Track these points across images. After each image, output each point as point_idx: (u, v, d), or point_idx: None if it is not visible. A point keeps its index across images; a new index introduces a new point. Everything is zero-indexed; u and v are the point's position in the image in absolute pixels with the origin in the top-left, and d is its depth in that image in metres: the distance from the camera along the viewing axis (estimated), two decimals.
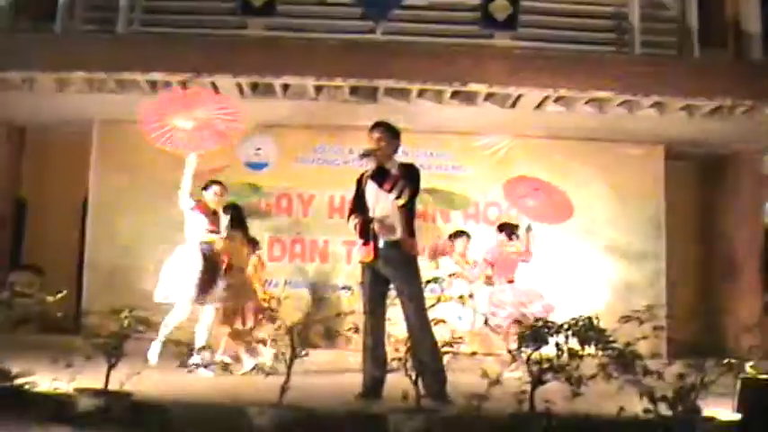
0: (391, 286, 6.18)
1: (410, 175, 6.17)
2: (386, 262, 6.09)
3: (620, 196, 10.70)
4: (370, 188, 6.21)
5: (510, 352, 6.55)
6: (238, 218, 8.34)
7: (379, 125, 6.32)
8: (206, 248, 7.95)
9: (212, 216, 8.05)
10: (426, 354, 5.68)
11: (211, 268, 7.91)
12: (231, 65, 8.92)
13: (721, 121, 9.54)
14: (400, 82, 9.11)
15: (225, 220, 8.03)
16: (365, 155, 6.16)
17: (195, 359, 6.96)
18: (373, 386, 5.90)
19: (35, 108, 9.90)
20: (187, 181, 7.81)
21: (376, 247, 6.08)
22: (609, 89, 9.11)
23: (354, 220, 6.21)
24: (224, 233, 7.99)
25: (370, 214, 6.16)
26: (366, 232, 6.14)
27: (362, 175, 6.37)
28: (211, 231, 7.99)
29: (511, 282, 8.87)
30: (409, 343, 5.30)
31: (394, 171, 6.12)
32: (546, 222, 9.20)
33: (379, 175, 6.09)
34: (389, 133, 6.29)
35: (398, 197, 6.04)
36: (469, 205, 10.65)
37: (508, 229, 9.12)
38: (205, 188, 8.11)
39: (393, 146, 6.30)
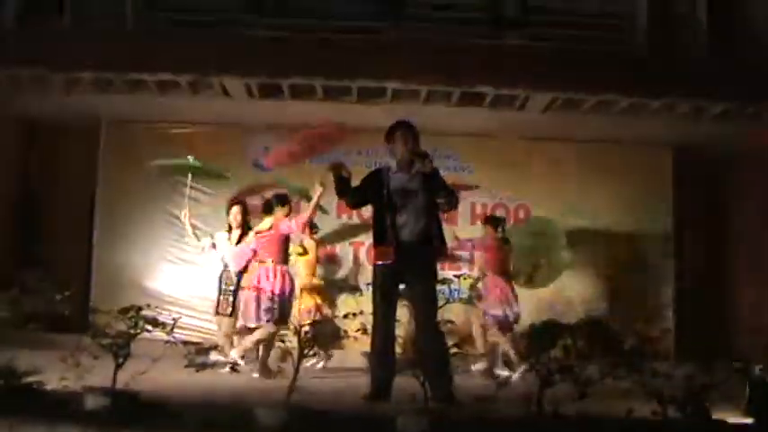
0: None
1: (444, 182, 6.17)
2: (409, 263, 5.97)
3: (627, 198, 10.70)
4: (402, 190, 6.09)
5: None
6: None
7: (409, 126, 6.25)
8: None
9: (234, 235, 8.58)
10: (435, 355, 5.67)
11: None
12: (239, 65, 8.90)
13: (730, 123, 9.50)
14: (409, 83, 9.09)
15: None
16: (423, 156, 6.05)
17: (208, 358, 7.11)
18: (381, 387, 5.84)
19: (45, 106, 9.92)
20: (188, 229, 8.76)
21: (399, 249, 5.97)
22: (617, 91, 9.08)
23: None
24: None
25: (398, 216, 6.03)
26: (385, 233, 6.04)
27: (380, 174, 6.26)
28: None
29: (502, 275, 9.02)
30: (417, 344, 5.28)
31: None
32: None
33: (435, 180, 6.05)
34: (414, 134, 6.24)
35: (448, 205, 6.11)
36: None
37: (494, 222, 9.31)
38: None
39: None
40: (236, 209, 8.65)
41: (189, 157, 8.80)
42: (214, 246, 8.62)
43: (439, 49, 8.96)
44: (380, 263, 6.09)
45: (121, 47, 8.85)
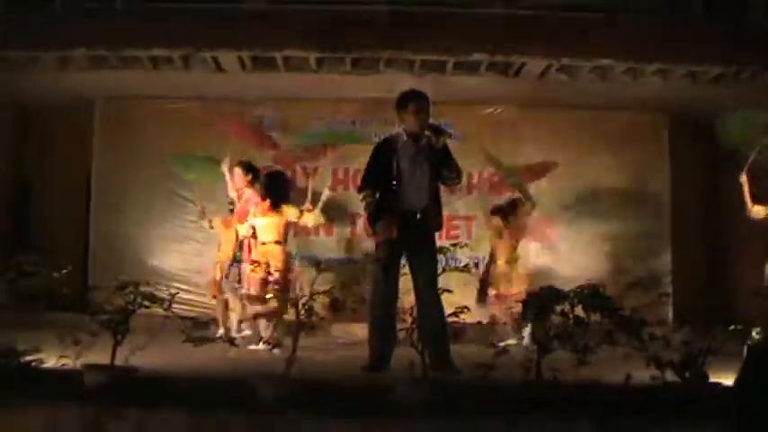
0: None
1: (452, 157, 6.17)
2: (413, 235, 5.97)
3: (624, 164, 10.67)
4: (410, 161, 6.06)
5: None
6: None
7: (422, 95, 6.16)
8: None
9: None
10: (435, 325, 5.69)
11: None
12: (232, 39, 8.82)
13: (726, 88, 9.45)
14: (402, 53, 9.03)
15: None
16: (440, 132, 6.07)
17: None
18: (381, 358, 5.86)
19: (37, 87, 9.84)
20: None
21: (404, 221, 5.94)
22: (612, 56, 9.02)
23: (369, 198, 6.08)
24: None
25: (406, 186, 6.02)
26: (391, 205, 6.00)
27: (390, 143, 6.22)
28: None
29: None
30: (416, 313, 5.29)
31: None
32: None
33: (445, 154, 6.06)
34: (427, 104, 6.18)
35: (454, 180, 6.17)
36: None
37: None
38: None
39: None
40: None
41: None
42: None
43: (430, 18, 8.90)
44: (387, 238, 6.04)
45: (113, 24, 8.77)
